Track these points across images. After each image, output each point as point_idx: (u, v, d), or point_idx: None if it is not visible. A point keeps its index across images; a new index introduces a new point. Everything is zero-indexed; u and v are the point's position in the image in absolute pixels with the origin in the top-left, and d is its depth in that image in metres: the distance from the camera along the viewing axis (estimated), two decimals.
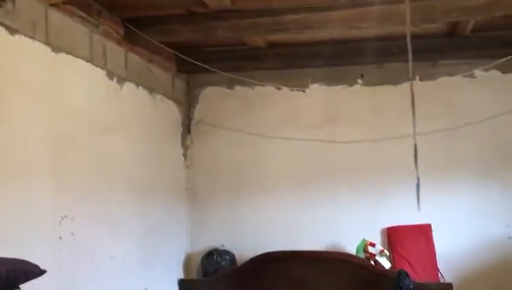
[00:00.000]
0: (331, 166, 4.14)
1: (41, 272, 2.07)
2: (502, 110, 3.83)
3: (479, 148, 3.90)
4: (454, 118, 3.95)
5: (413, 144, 3.89)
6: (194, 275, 4.22)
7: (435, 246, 3.82)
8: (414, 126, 2.72)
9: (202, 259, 4.17)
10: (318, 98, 4.26)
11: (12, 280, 1.94)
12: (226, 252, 4.17)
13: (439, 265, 3.78)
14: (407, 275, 3.46)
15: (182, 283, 3.98)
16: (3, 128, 2.29)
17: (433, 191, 3.89)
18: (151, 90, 3.82)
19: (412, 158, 3.95)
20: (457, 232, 3.83)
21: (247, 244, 4.16)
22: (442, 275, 3.75)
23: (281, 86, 4.29)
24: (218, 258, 4.09)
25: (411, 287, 3.41)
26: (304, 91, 4.26)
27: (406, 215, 3.88)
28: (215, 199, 4.37)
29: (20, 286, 2.04)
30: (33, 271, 2.04)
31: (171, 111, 4.24)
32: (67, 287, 2.68)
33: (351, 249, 3.90)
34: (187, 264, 4.25)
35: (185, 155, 4.43)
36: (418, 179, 2.69)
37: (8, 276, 1.90)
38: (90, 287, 2.88)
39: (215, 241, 4.27)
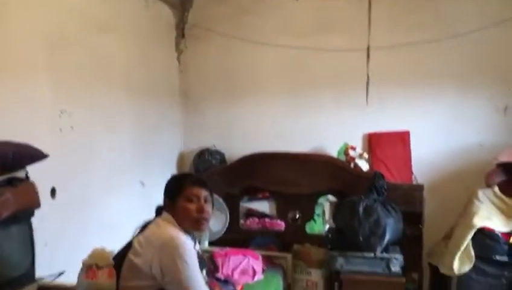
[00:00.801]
0: (319, 73, 4.29)
1: (44, 155, 2.31)
2: (487, 23, 3.89)
3: (462, 60, 4.01)
4: (440, 30, 4.01)
5: (402, 54, 4.07)
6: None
7: (411, 151, 4.07)
8: (368, 35, 2.89)
9: (194, 158, 4.45)
10: (310, 6, 4.30)
11: (18, 160, 2.18)
12: (217, 152, 4.44)
13: (414, 169, 4.06)
14: (382, 176, 3.75)
15: None
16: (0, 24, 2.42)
17: (415, 100, 4.10)
18: None
19: (398, 68, 4.14)
20: (434, 138, 4.04)
21: (237, 145, 4.43)
22: (415, 178, 4.04)
23: None
24: (209, 157, 4.37)
25: (385, 187, 3.71)
26: None
27: (387, 122, 4.11)
28: (208, 103, 4.57)
29: (26, 167, 2.30)
30: (37, 154, 2.28)
31: (165, 14, 4.30)
32: (68, 175, 2.95)
33: (333, 152, 4.16)
34: (180, 162, 4.55)
35: (178, 59, 4.56)
36: (368, 77, 3.11)
37: (14, 157, 2.14)
38: (89, 176, 3.16)
39: (207, 141, 4.52)
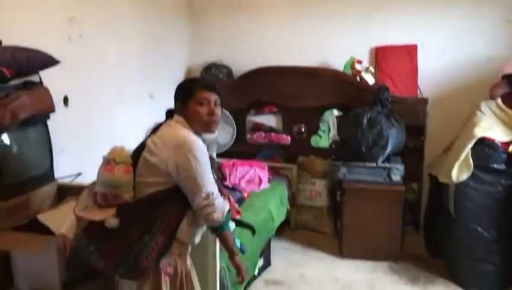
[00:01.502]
0: None
1: (56, 61, 2.37)
2: None
3: None
4: None
5: None
6: None
7: (418, 65, 4.07)
8: None
9: (201, 72, 4.48)
10: None
11: (31, 66, 2.24)
12: (224, 66, 4.46)
13: (419, 82, 4.08)
14: (387, 89, 3.78)
15: None
16: None
17: (424, 12, 4.03)
18: None
19: None
20: (441, 52, 4.01)
21: (243, 60, 4.42)
22: (420, 92, 4.08)
23: None
24: (216, 72, 4.39)
25: (389, 99, 3.76)
26: None
27: (394, 35, 4.08)
28: (214, 16, 4.52)
29: (39, 73, 2.37)
30: (49, 60, 2.34)
31: None
32: (79, 84, 3.02)
33: (340, 66, 4.17)
34: (187, 75, 4.59)
35: None
36: None
37: (28, 62, 2.20)
38: (100, 86, 3.23)
39: (214, 56, 4.52)
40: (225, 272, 2.58)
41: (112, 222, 1.83)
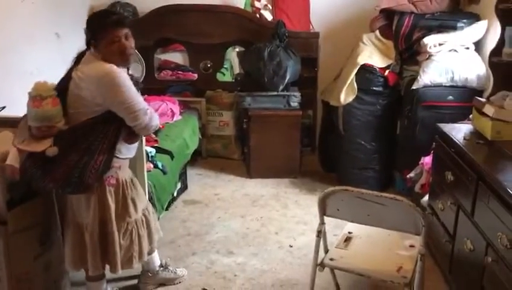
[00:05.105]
0: None
1: None
2: None
3: None
4: None
5: None
6: None
7: (310, 1, 4.48)
8: None
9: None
10: None
11: None
12: (128, 5, 4.48)
13: (312, 18, 4.51)
14: (284, 24, 4.18)
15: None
16: None
17: None
18: None
19: None
20: None
21: None
22: (312, 26, 4.52)
23: None
24: (121, 10, 4.43)
25: (286, 34, 4.17)
26: None
27: None
28: None
29: None
30: None
31: None
32: None
33: (240, 4, 4.46)
34: None
35: None
36: None
37: None
38: (6, 25, 3.24)
39: None
40: (152, 189, 2.90)
41: (52, 150, 2.03)
